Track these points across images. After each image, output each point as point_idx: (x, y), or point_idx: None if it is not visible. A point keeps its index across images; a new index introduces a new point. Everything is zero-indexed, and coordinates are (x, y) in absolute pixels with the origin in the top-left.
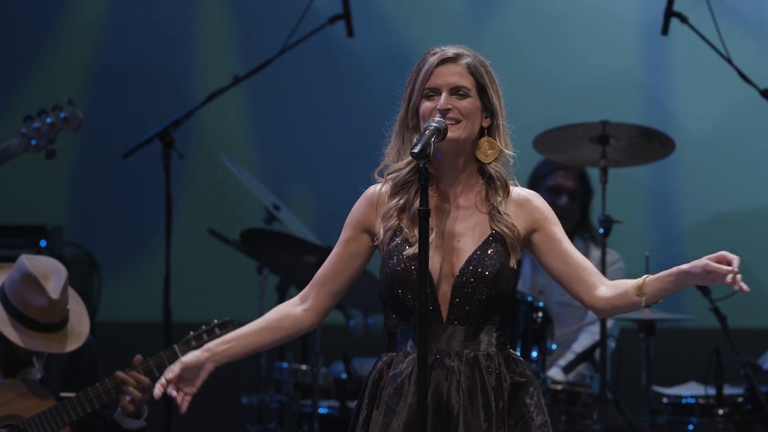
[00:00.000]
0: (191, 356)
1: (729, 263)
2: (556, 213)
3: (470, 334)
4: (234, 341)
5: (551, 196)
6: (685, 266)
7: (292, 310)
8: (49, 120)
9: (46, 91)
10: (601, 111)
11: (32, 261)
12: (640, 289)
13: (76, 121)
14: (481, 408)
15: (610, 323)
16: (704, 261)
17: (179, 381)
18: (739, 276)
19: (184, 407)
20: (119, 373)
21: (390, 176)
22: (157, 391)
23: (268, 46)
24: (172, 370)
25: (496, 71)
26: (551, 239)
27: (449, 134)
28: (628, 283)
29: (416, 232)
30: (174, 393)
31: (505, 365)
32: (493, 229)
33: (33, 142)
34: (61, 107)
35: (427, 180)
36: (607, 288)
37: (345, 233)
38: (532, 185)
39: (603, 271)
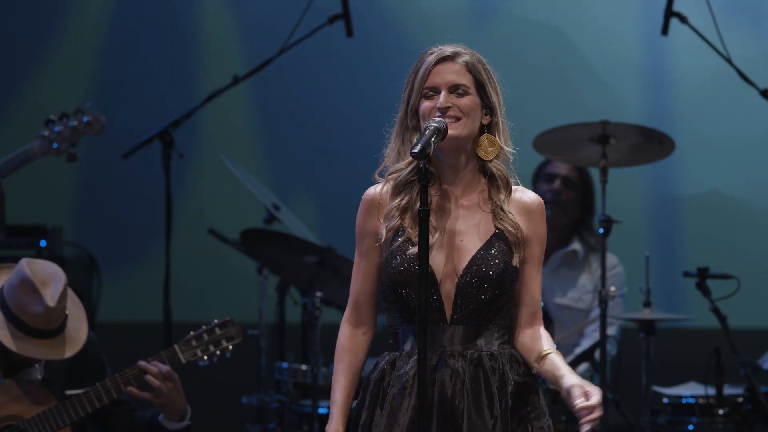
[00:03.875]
0: None
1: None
2: (551, 198)
3: (474, 334)
4: (346, 407)
5: (547, 182)
6: (564, 384)
7: (357, 342)
8: (71, 124)
9: (47, 93)
10: (601, 111)
11: (32, 265)
12: (538, 361)
13: (98, 125)
14: (486, 408)
15: (612, 330)
16: (570, 397)
17: None
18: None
19: None
20: (141, 363)
21: (391, 177)
22: None
23: (269, 46)
24: None
25: (497, 71)
26: (528, 254)
27: (450, 132)
28: (538, 347)
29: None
30: None
31: (509, 365)
32: (496, 228)
33: (54, 145)
34: (83, 111)
35: (427, 180)
36: (526, 337)
37: (360, 246)
38: (533, 179)
39: (602, 276)
